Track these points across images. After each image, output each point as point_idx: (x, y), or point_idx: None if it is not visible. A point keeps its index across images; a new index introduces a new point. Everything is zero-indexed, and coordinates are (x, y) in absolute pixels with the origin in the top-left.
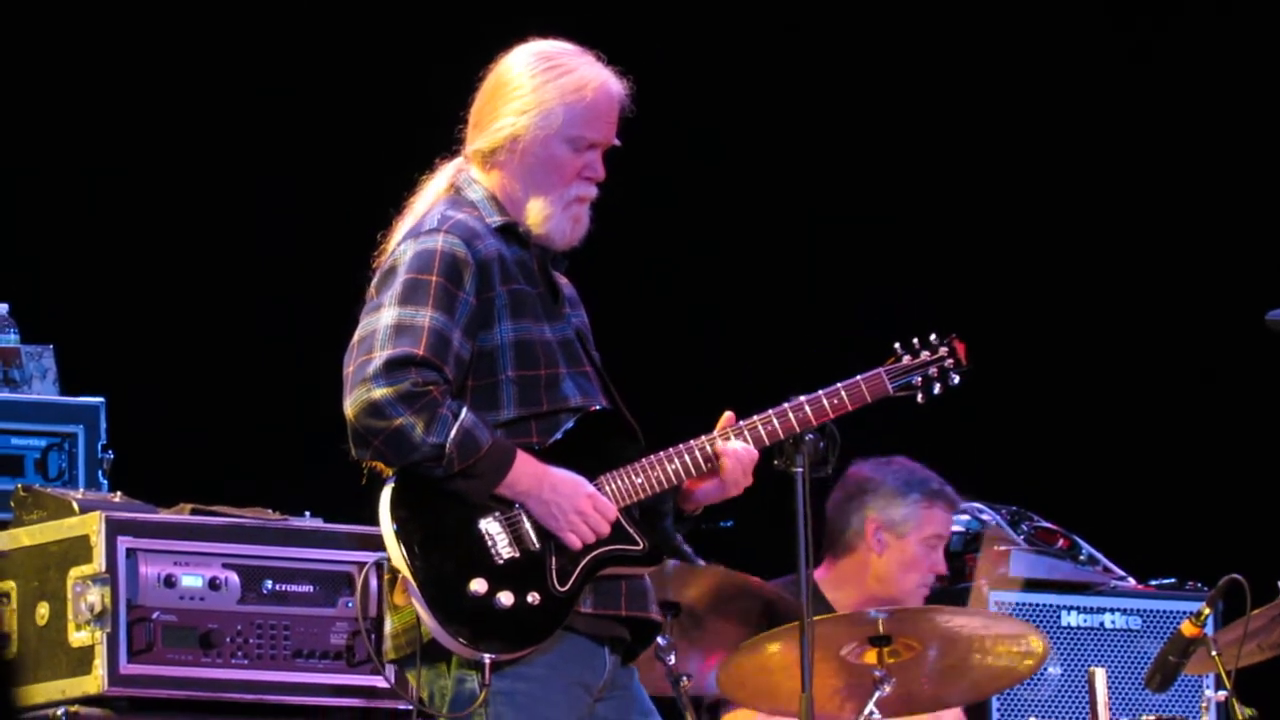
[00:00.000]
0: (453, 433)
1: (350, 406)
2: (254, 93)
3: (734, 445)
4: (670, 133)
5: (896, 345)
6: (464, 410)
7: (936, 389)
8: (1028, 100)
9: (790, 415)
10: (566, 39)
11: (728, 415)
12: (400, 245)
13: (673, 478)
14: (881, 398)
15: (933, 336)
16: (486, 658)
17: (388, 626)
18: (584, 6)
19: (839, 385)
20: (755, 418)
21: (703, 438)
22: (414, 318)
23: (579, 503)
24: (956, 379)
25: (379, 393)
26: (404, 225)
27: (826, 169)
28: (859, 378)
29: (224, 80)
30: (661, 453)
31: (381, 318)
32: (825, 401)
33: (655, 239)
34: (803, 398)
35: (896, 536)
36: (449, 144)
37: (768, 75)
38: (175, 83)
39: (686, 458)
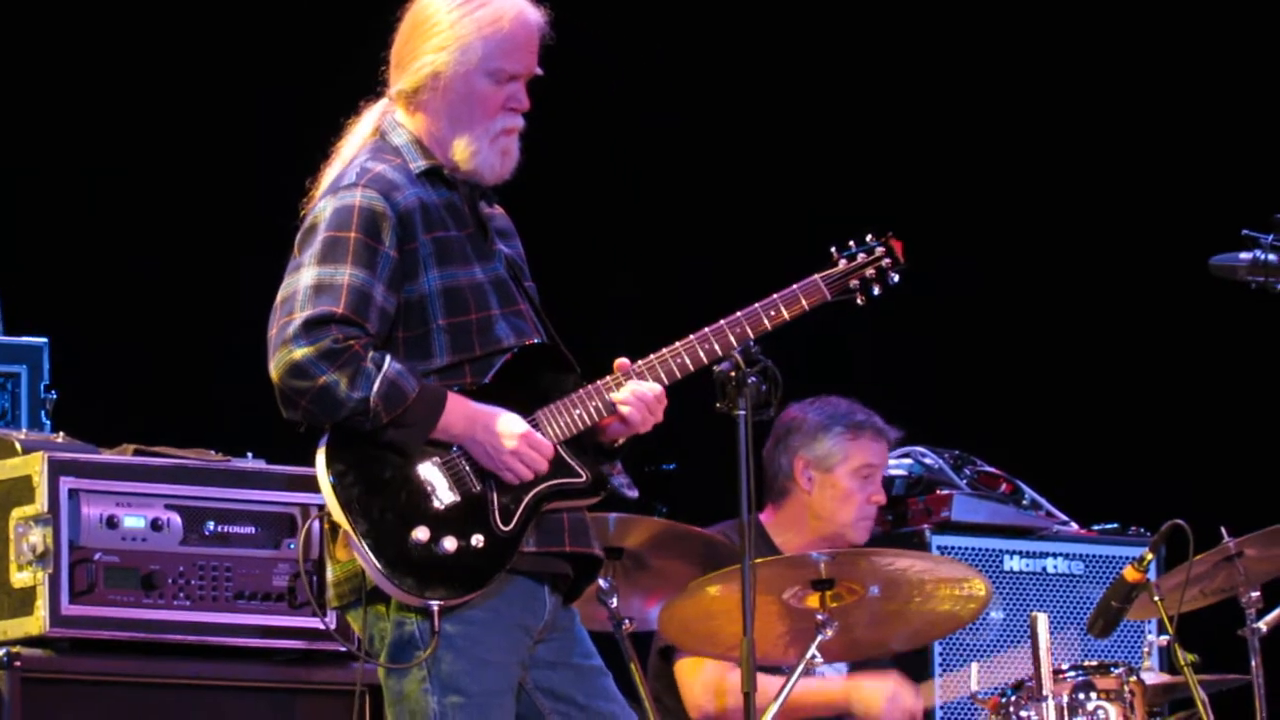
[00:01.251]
0: (376, 384)
1: (274, 368)
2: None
3: (628, 390)
4: (670, 133)
5: (832, 249)
6: (388, 361)
7: (876, 290)
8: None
9: (728, 332)
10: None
11: (621, 361)
12: (321, 201)
13: (613, 407)
14: (820, 304)
15: (869, 237)
16: (434, 605)
17: (330, 575)
18: (584, 6)
19: (775, 296)
20: (692, 337)
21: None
22: (333, 276)
23: (513, 443)
24: (896, 278)
25: (300, 352)
26: (330, 173)
27: (825, 168)
28: (795, 287)
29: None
30: (599, 382)
31: (301, 278)
32: (763, 315)
33: (655, 238)
34: (739, 313)
35: (824, 472)
36: None
37: (767, 75)
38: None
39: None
